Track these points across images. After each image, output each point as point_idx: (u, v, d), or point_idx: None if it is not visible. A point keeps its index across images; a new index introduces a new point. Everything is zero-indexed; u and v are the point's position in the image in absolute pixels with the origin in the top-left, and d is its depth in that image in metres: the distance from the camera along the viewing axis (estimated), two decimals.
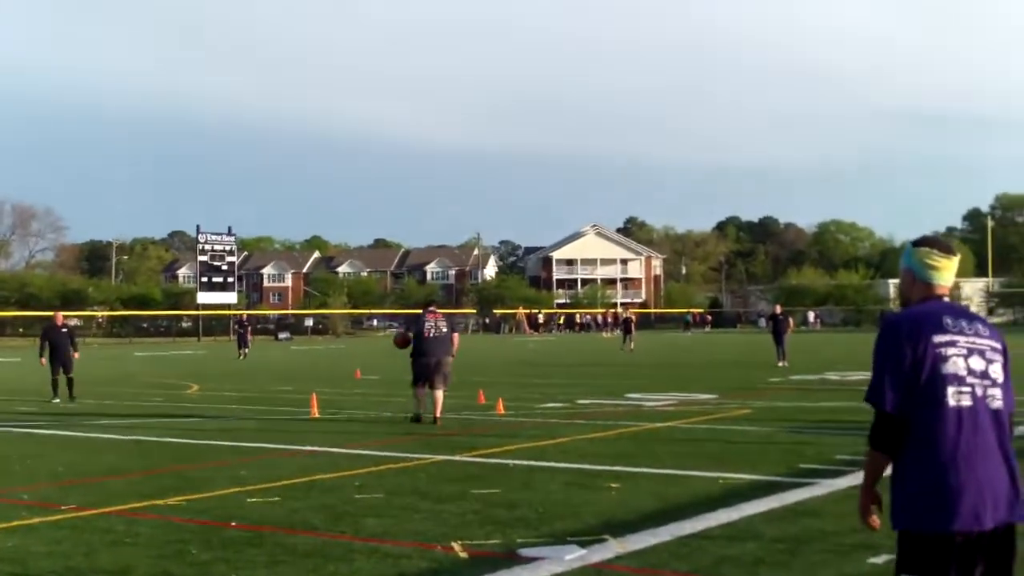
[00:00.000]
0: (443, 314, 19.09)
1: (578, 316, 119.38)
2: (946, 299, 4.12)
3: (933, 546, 3.74)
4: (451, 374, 18.65)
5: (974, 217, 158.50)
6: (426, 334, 18.27)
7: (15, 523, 9.29)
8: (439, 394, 18.02)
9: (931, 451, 3.83)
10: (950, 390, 3.86)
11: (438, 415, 17.79)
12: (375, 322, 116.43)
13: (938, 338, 3.90)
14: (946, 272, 4.11)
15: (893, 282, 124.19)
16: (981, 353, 3.96)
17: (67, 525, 9.16)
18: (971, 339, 3.96)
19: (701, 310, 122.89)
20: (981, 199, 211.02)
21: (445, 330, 18.48)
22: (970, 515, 3.74)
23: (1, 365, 47.43)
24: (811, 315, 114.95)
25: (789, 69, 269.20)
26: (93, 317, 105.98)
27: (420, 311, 19.14)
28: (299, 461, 13.18)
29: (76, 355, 24.94)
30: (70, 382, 24.33)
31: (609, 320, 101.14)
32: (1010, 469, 3.87)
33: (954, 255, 4.10)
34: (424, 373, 18.11)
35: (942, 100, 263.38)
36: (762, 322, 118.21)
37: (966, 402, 3.86)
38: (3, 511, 9.92)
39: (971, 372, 3.91)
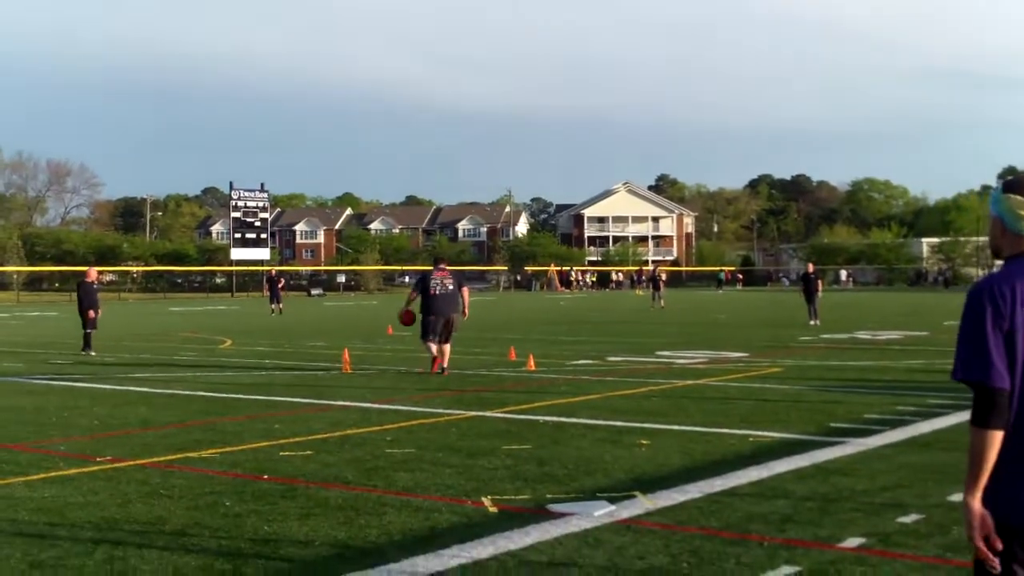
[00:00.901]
0: (450, 271, 19.48)
1: (613, 274, 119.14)
2: None
3: (1016, 537, 3.40)
4: (457, 329, 19.40)
5: (1010, 175, 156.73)
6: (432, 291, 18.79)
7: (52, 473, 9.43)
8: (446, 349, 18.75)
9: (1018, 435, 3.45)
10: None
11: (445, 365, 18.58)
12: (407, 279, 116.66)
13: None
14: None
15: (927, 241, 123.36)
16: None
17: (103, 476, 9.29)
18: None
19: (733, 268, 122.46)
20: (1017, 157, 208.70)
21: (452, 287, 18.92)
22: None
23: (39, 319, 47.93)
24: (843, 274, 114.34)
25: (823, 26, 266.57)
26: (128, 272, 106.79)
27: (430, 268, 19.60)
28: (331, 416, 13.29)
29: (100, 312, 25.95)
30: (91, 336, 25.08)
31: (643, 277, 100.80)
32: None
33: None
34: (433, 329, 18.67)
35: (978, 57, 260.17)
36: (786, 281, 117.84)
37: None
38: (41, 462, 10.08)
39: None
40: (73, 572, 6.30)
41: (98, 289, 26.38)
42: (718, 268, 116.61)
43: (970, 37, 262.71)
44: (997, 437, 3.42)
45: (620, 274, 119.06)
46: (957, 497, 7.98)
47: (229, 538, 7.10)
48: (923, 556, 6.42)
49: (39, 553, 6.75)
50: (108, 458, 10.22)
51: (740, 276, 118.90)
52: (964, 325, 3.49)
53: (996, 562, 3.40)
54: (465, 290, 19.30)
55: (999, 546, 3.41)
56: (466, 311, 19.26)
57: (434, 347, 18.67)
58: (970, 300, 3.51)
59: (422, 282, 19.14)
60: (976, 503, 3.45)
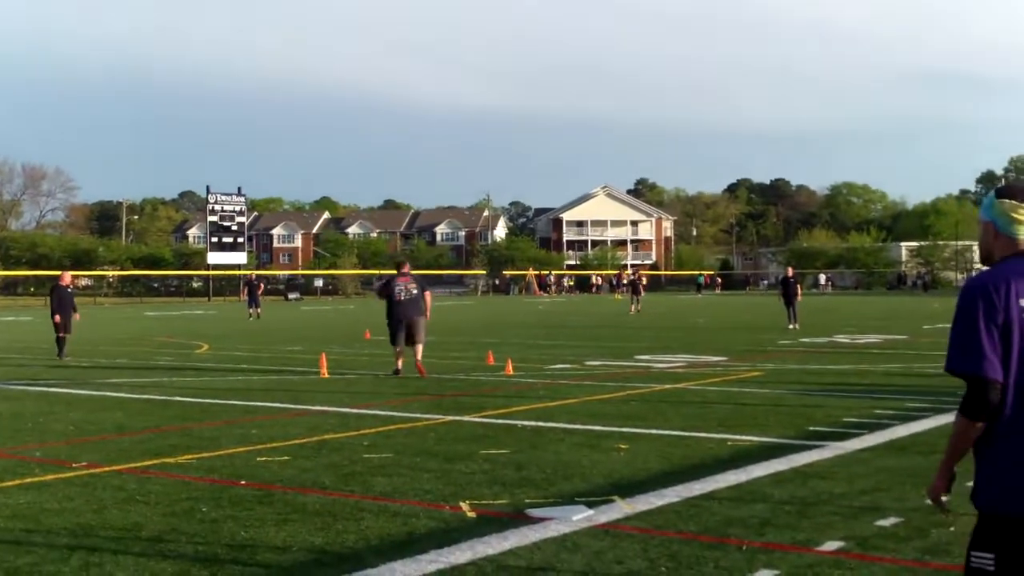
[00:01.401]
0: (413, 276, 20.01)
1: (593, 278, 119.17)
2: None
3: (1017, 528, 3.40)
4: (425, 331, 19.72)
5: (988, 180, 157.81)
6: (397, 297, 19.36)
7: (28, 480, 9.36)
8: (418, 348, 19.29)
9: (1015, 425, 3.47)
10: None
11: (418, 358, 19.24)
12: None
13: None
14: None
15: (905, 245, 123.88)
16: None
17: (79, 483, 9.22)
18: None
19: (712, 272, 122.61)
20: (995, 161, 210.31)
21: (416, 292, 19.46)
22: None
23: (13, 324, 47.63)
24: (823, 278, 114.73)
25: (802, 30, 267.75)
26: (104, 277, 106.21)
27: (393, 273, 20.27)
28: (308, 421, 13.24)
29: (76, 316, 25.73)
30: (63, 340, 24.82)
31: (624, 281, 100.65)
32: None
33: None
34: (399, 333, 19.29)
35: (957, 61, 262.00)
36: (764, 283, 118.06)
37: None
38: (17, 468, 10.00)
39: None
40: None
41: (74, 294, 26.20)
42: (697, 272, 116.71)
43: (950, 41, 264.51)
44: (979, 428, 3.48)
45: (599, 278, 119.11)
46: None
47: (206, 544, 7.06)
48: (901, 559, 6.43)
49: (15, 560, 6.69)
50: (84, 464, 10.15)
51: (719, 280, 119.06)
52: (957, 319, 3.53)
53: (947, 506, 3.62)
54: (428, 294, 19.82)
55: (947, 508, 3.62)
56: (428, 313, 19.73)
57: (400, 351, 19.34)
58: (964, 295, 3.55)
59: (387, 288, 19.65)
60: (943, 481, 3.61)
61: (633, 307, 51.70)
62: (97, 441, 11.75)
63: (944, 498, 3.62)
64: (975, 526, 3.49)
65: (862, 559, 6.46)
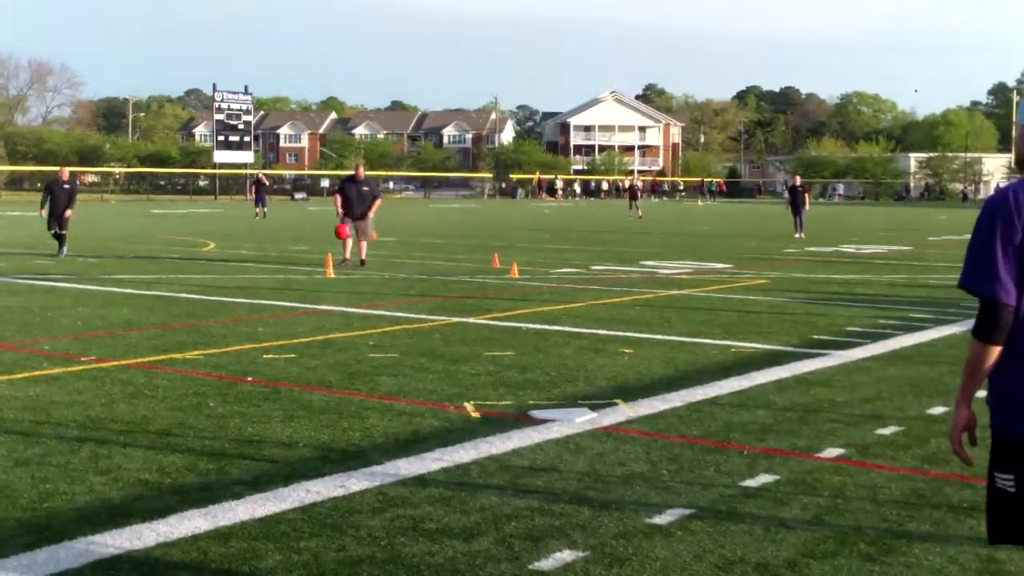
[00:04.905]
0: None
1: (605, 183, 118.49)
2: None
3: None
4: None
5: (999, 91, 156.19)
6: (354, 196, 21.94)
7: (37, 373, 9.44)
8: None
9: None
10: None
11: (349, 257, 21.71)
12: (391, 184, 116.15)
13: None
14: None
15: (915, 156, 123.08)
16: None
17: (88, 376, 9.30)
18: None
19: (719, 179, 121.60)
20: (1007, 73, 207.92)
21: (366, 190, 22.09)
22: None
23: (20, 219, 47.66)
24: (841, 187, 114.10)
25: None
26: (110, 174, 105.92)
27: (352, 174, 22.61)
28: (314, 320, 13.30)
29: (68, 213, 24.33)
30: (62, 238, 24.20)
31: (650, 187, 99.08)
32: None
33: None
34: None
35: None
36: (782, 192, 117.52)
37: None
38: (26, 361, 10.08)
39: None
40: (58, 470, 6.33)
41: (73, 190, 25.12)
42: (708, 179, 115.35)
43: None
44: (995, 351, 3.34)
45: (605, 183, 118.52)
46: (936, 410, 8.08)
47: (213, 438, 7.14)
48: (901, 467, 6.50)
49: (24, 450, 6.78)
50: (92, 358, 10.23)
51: (719, 186, 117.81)
52: (975, 235, 3.38)
53: (971, 459, 3.46)
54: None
55: (971, 460, 3.45)
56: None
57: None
58: (984, 210, 3.39)
59: (372, 188, 22.36)
60: (964, 409, 3.43)
61: (632, 212, 51.85)
62: (105, 336, 11.82)
63: (967, 449, 3.45)
64: (992, 447, 3.41)
65: (861, 466, 6.53)
